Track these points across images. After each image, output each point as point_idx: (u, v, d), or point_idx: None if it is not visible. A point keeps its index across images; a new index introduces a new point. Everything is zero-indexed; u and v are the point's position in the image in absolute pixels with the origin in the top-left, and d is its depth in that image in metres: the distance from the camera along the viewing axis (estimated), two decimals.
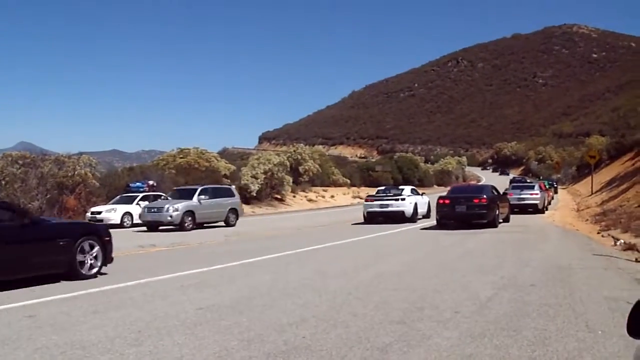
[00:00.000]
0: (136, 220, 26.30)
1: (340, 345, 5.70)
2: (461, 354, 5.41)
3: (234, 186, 29.83)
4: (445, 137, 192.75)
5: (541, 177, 61.82)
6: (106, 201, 29.50)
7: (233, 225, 25.65)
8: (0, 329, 6.63)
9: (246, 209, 31.68)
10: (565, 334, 6.08)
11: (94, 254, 10.84)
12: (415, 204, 26.02)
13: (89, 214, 26.83)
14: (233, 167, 44.89)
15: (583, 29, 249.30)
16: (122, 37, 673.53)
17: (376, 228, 22.62)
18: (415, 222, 25.14)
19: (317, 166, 54.08)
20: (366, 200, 27.58)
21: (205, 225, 25.11)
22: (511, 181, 51.73)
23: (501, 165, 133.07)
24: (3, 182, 28.57)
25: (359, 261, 12.98)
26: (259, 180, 39.81)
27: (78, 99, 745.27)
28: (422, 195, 28.63)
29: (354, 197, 53.53)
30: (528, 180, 48.43)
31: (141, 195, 27.48)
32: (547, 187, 37.96)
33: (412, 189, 28.02)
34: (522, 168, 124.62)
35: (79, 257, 10.56)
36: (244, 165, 45.60)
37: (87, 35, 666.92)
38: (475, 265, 11.61)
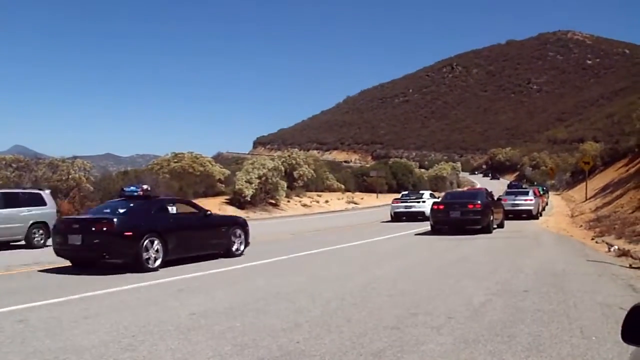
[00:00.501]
0: None
1: (334, 351, 5.69)
2: (455, 359, 5.40)
3: (48, 191, 20.69)
4: (439, 142, 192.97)
5: (535, 183, 61.96)
6: None
7: (38, 247, 17.94)
8: None
9: (240, 214, 31.51)
10: (559, 340, 6.08)
11: (241, 239, 15.06)
12: None
13: None
14: (227, 172, 44.81)
15: (577, 35, 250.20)
16: (117, 40, 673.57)
17: (372, 233, 22.63)
18: None
19: (311, 171, 54.01)
20: (393, 203, 32.22)
21: None
22: (508, 186, 51.88)
23: (496, 171, 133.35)
24: None
25: (354, 266, 12.98)
26: (253, 185, 39.68)
27: (72, 103, 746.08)
28: (438, 198, 29.84)
29: (349, 202, 53.49)
30: (523, 186, 48.55)
31: None
32: (541, 192, 37.97)
33: (430, 193, 33.54)
34: (516, 174, 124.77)
35: (233, 240, 14.74)
36: (238, 170, 45.48)
37: (81, 39, 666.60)
38: (470, 271, 11.61)
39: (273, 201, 43.53)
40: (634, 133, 46.10)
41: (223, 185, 43.25)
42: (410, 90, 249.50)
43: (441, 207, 22.75)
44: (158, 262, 12.28)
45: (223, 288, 9.89)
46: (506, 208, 27.64)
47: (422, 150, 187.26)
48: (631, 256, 13.16)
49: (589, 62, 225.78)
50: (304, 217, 39.62)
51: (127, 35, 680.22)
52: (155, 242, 12.27)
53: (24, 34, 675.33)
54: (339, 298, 8.65)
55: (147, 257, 12.04)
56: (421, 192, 35.61)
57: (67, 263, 12.69)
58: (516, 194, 32.20)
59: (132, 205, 12.99)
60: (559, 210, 39.75)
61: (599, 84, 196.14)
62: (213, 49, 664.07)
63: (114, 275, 11.33)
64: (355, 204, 53.72)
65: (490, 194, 25.20)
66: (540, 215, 32.77)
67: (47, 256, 13.78)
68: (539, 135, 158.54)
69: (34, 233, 18.33)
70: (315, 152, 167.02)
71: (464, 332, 6.46)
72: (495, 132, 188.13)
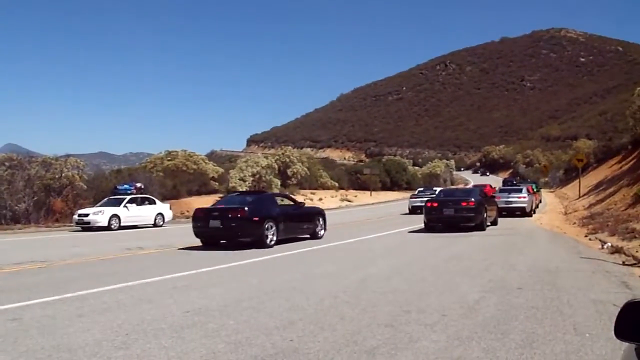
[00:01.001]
0: (124, 222, 26.18)
1: (327, 349, 5.68)
2: (449, 357, 5.40)
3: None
4: (433, 140, 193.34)
5: (529, 180, 62.09)
6: (93, 203, 29.24)
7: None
8: None
9: None
10: (552, 336, 6.09)
11: (323, 226, 19.47)
12: None
13: (76, 216, 26.52)
14: (221, 170, 44.81)
15: (571, 33, 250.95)
16: (110, 39, 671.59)
17: (366, 231, 22.64)
18: None
19: (305, 169, 54.04)
20: (411, 198, 37.84)
21: None
22: (503, 182, 52.16)
23: (488, 168, 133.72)
24: None
25: (347, 264, 12.98)
26: (246, 182, 39.73)
27: (65, 101, 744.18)
28: None
29: (342, 200, 53.51)
30: (516, 183, 48.66)
31: (129, 197, 27.29)
32: (534, 190, 38.04)
33: (441, 190, 35.50)
34: (510, 171, 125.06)
35: (317, 225, 19.08)
36: (232, 168, 45.51)
37: (74, 37, 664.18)
38: (463, 268, 11.62)
39: None
40: (627, 130, 46.32)
41: (217, 183, 43.22)
42: (404, 88, 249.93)
43: (435, 204, 22.71)
44: (274, 241, 16.47)
45: (216, 286, 9.86)
46: (500, 205, 27.64)
47: (416, 148, 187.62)
48: (624, 253, 13.18)
49: (582, 59, 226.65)
50: None
51: (120, 33, 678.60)
52: (272, 226, 16.46)
53: (16, 32, 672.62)
54: (332, 296, 8.63)
55: (267, 236, 16.16)
56: (434, 188, 41.49)
57: (198, 242, 16.90)
58: (510, 191, 32.18)
59: (253, 198, 17.93)
60: (553, 207, 39.87)
61: (592, 81, 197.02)
62: (206, 47, 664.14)
63: (242, 251, 15.46)
64: (349, 201, 53.76)
65: (482, 192, 25.23)
66: (534, 212, 32.86)
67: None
68: (532, 133, 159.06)
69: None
70: (308, 150, 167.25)
71: (457, 329, 6.46)
72: (488, 130, 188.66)
